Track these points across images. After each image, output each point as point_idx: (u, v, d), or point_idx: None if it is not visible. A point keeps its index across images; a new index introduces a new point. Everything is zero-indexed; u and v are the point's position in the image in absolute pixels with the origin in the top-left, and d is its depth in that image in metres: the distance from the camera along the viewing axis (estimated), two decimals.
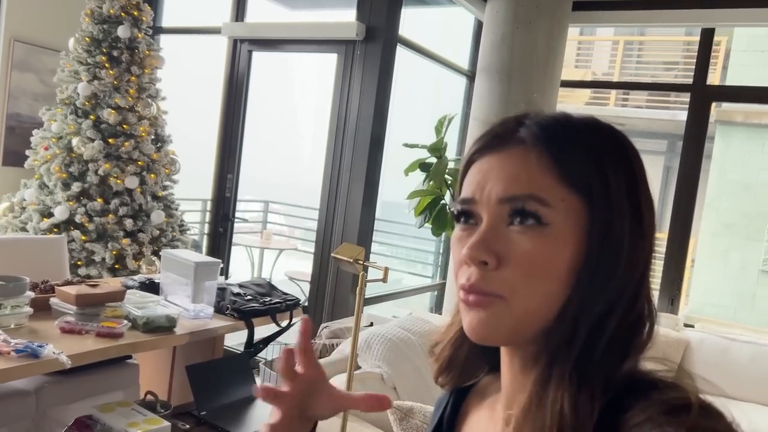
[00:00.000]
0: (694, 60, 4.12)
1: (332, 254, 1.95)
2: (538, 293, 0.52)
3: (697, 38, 4.12)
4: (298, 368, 0.63)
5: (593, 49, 9.88)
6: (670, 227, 4.09)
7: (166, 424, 1.96)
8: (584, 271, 0.52)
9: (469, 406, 0.68)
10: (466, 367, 0.65)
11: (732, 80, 6.81)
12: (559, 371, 0.50)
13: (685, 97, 4.23)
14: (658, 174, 9.55)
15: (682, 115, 4.27)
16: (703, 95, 4.03)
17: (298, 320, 2.63)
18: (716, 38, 4.22)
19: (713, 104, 4.21)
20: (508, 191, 0.53)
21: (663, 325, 3.67)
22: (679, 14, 3.93)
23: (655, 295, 3.67)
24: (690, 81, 4.14)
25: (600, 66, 9.68)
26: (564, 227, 0.52)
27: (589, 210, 0.52)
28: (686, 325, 3.85)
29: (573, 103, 8.99)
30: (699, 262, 6.88)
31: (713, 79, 7.42)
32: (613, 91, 9.20)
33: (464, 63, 4.66)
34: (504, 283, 0.52)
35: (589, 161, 0.53)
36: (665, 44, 9.28)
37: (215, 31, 4.24)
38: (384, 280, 1.89)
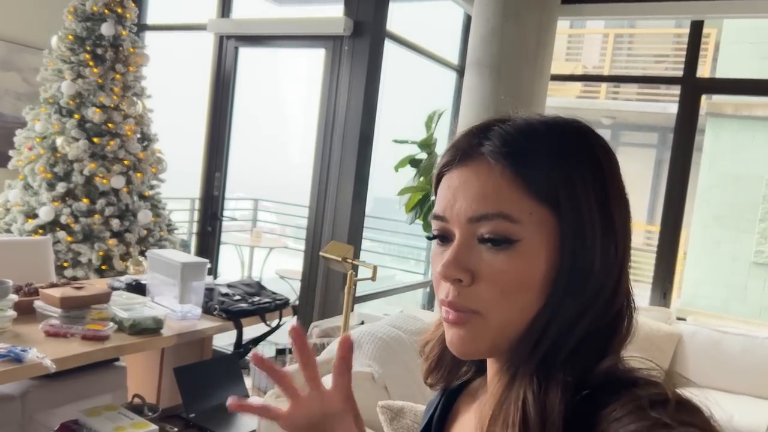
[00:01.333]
0: (684, 52, 4.11)
1: (320, 253, 1.93)
2: (514, 307, 0.53)
3: (687, 30, 4.10)
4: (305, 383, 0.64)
5: (583, 42, 9.88)
6: (662, 220, 4.08)
7: (154, 427, 1.93)
8: (557, 281, 0.53)
9: (459, 408, 0.68)
10: (455, 367, 0.66)
11: (722, 72, 6.81)
12: (523, 371, 0.52)
13: (676, 90, 4.23)
14: (650, 167, 9.58)
15: (673, 108, 4.26)
16: (693, 88, 4.02)
17: (287, 320, 2.61)
18: (706, 30, 4.22)
19: (703, 96, 4.20)
20: (476, 210, 0.53)
21: (655, 319, 3.66)
22: (668, 6, 3.92)
23: (648, 288, 3.66)
24: (680, 74, 4.13)
25: (590, 59, 9.68)
26: (535, 240, 0.52)
27: (558, 219, 0.53)
28: (678, 318, 3.85)
29: (563, 97, 8.98)
30: (691, 255, 6.89)
31: (703, 71, 7.43)
32: (604, 84, 9.20)
33: (454, 57, 4.64)
34: (479, 299, 0.53)
35: (554, 170, 0.53)
36: (655, 37, 9.29)
37: (201, 27, 4.19)
38: (373, 278, 1.86)
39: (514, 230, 0.52)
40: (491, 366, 0.59)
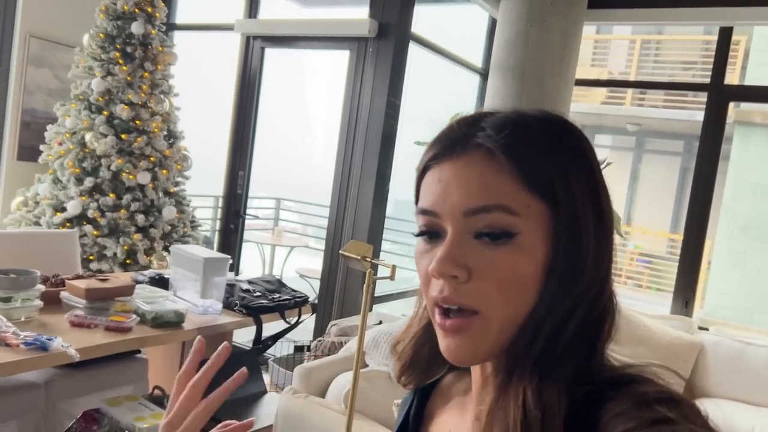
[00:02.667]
0: (712, 59, 4.06)
1: (340, 251, 1.95)
2: (513, 304, 0.52)
3: (716, 37, 4.05)
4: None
5: (610, 47, 9.80)
6: (686, 229, 4.03)
7: None
8: (552, 275, 0.51)
9: (434, 407, 0.67)
10: (428, 366, 0.64)
11: (751, 80, 6.70)
12: (521, 367, 0.50)
13: (703, 97, 4.17)
14: (675, 175, 9.46)
15: (700, 116, 4.21)
16: (720, 95, 3.97)
17: (306, 317, 2.63)
18: (735, 37, 4.16)
19: (731, 104, 4.14)
20: (474, 202, 0.51)
21: (677, 328, 3.62)
22: (697, 12, 3.87)
23: (669, 296, 3.61)
24: (707, 80, 4.07)
25: (616, 65, 9.59)
26: (532, 234, 0.51)
27: (553, 214, 0.52)
28: (701, 328, 3.79)
29: (588, 103, 8.92)
30: (715, 265, 6.79)
31: (731, 78, 7.32)
32: (630, 91, 9.11)
33: (478, 61, 4.63)
34: (477, 296, 0.51)
35: (550, 163, 0.52)
36: (683, 43, 9.18)
37: (228, 27, 4.25)
38: (392, 277, 1.87)
39: (514, 223, 0.51)
40: (481, 368, 0.58)
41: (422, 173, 0.57)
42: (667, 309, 4.04)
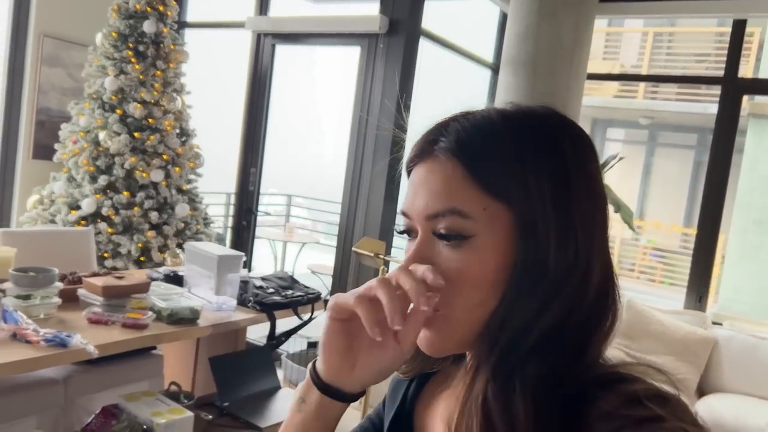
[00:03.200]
0: (726, 52, 4.03)
1: (353, 248, 1.96)
2: (472, 303, 0.53)
3: (729, 29, 4.02)
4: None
5: (622, 40, 9.72)
6: (699, 223, 4.00)
7: (190, 414, 1.99)
8: (512, 277, 0.52)
9: (433, 389, 0.67)
10: (429, 357, 0.63)
11: (765, 72, 6.63)
12: (482, 370, 0.52)
13: (716, 90, 4.14)
14: (688, 169, 9.38)
15: (713, 109, 4.17)
16: (734, 88, 3.93)
17: (319, 314, 2.65)
18: (749, 29, 4.12)
19: (745, 97, 4.11)
20: (430, 208, 0.54)
21: (690, 323, 3.60)
22: (710, 5, 3.84)
23: (683, 291, 3.59)
24: (721, 73, 4.04)
25: (628, 58, 9.52)
26: (489, 236, 0.52)
27: (512, 216, 0.52)
28: (714, 323, 3.78)
29: (601, 96, 8.86)
30: (729, 259, 6.74)
31: (745, 71, 7.24)
32: (642, 84, 9.04)
33: (489, 55, 4.62)
34: (440, 298, 0.53)
35: (507, 165, 0.53)
36: (696, 36, 9.09)
37: (239, 25, 4.27)
38: None
39: (467, 226, 0.52)
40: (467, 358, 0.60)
41: (407, 174, 0.60)
42: (680, 304, 4.02)
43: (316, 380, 0.58)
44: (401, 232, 0.58)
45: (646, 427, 0.45)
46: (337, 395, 0.57)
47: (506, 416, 0.49)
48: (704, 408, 3.21)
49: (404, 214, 0.57)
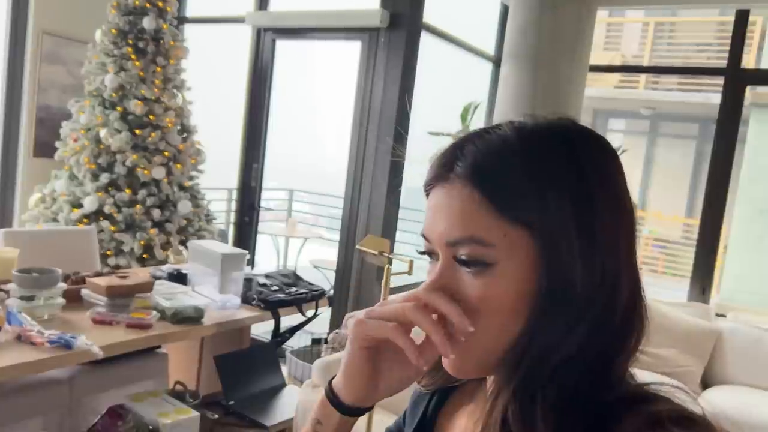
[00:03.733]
0: (728, 42, 4.00)
1: (357, 246, 1.95)
2: (494, 329, 0.53)
3: (732, 19, 3.99)
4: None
5: (623, 31, 9.67)
6: (702, 213, 4.00)
7: (196, 414, 1.99)
8: (537, 301, 0.51)
9: (457, 403, 0.67)
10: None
11: None
12: (504, 391, 0.52)
13: (719, 80, 4.12)
14: (690, 159, 9.35)
15: (716, 98, 4.15)
16: (737, 78, 3.91)
17: (323, 310, 2.65)
18: (751, 18, 4.09)
19: (748, 87, 4.08)
20: (450, 235, 0.53)
21: (693, 315, 3.60)
22: None
23: (686, 283, 3.58)
24: (723, 63, 4.02)
25: (630, 48, 9.47)
26: (510, 262, 0.51)
27: (533, 240, 0.51)
28: (718, 315, 3.77)
29: (602, 86, 8.83)
30: (732, 250, 6.73)
31: (748, 61, 7.20)
32: (644, 74, 9.00)
33: (490, 49, 4.60)
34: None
35: (527, 191, 0.51)
36: (698, 25, 9.04)
37: (239, 20, 4.24)
38: (409, 272, 1.88)
39: (488, 254, 0.51)
40: (489, 380, 0.59)
41: (427, 195, 0.59)
42: (682, 294, 4.02)
43: (337, 403, 0.59)
44: (422, 253, 0.58)
45: None
46: (357, 412, 0.60)
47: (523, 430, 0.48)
48: (708, 400, 3.21)
49: (424, 237, 0.57)
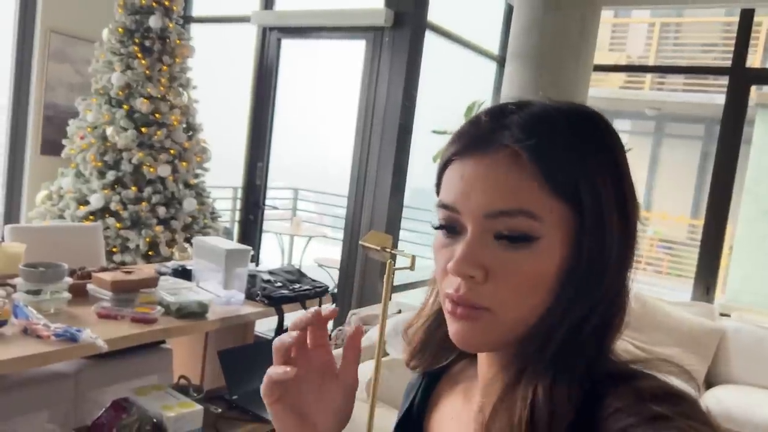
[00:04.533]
0: (734, 41, 4.00)
1: (360, 242, 1.96)
2: (527, 305, 0.52)
3: (737, 19, 3.99)
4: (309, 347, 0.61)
5: (628, 31, 9.65)
6: (707, 214, 3.99)
7: (199, 407, 2.01)
8: (571, 279, 0.51)
9: (441, 391, 0.67)
10: (439, 351, 0.64)
11: None
12: (533, 366, 0.51)
13: (724, 80, 4.12)
14: (695, 159, 9.33)
15: (721, 99, 4.15)
16: (741, 78, 3.91)
17: (327, 307, 2.66)
18: (757, 19, 4.08)
19: (753, 87, 4.08)
20: (496, 205, 0.51)
21: (697, 314, 3.60)
22: None
23: (690, 283, 3.58)
24: (728, 64, 4.01)
25: (635, 49, 9.45)
26: (553, 238, 0.51)
27: (578, 217, 0.51)
28: (722, 315, 3.77)
29: (607, 87, 8.81)
30: (737, 250, 6.71)
31: (753, 61, 7.19)
32: (649, 75, 8.98)
33: (494, 48, 4.61)
34: (492, 297, 0.52)
35: (576, 166, 0.51)
36: (704, 26, 9.01)
37: (245, 19, 4.27)
38: (411, 268, 1.89)
39: (535, 228, 0.50)
40: (487, 357, 0.58)
41: (444, 165, 0.56)
42: (687, 295, 4.02)
43: None
44: (438, 227, 0.55)
45: (657, 426, 0.44)
46: None
47: (551, 416, 0.48)
48: (712, 399, 3.21)
49: (449, 207, 0.54)
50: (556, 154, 0.51)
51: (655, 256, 9.06)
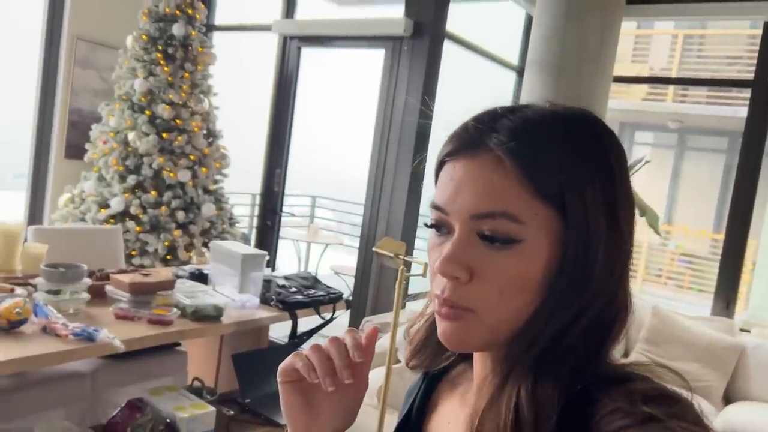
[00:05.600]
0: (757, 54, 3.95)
1: (373, 248, 1.97)
2: (510, 306, 0.52)
3: (761, 32, 3.94)
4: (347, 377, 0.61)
5: (651, 42, 9.58)
6: (727, 228, 3.94)
7: (212, 409, 2.03)
8: (557, 281, 0.52)
9: (440, 394, 0.68)
10: (439, 351, 0.65)
11: None
12: (517, 370, 0.51)
13: (748, 93, 4.07)
14: (718, 173, 9.20)
15: (744, 112, 4.10)
16: (765, 91, 3.86)
17: (341, 313, 2.67)
18: None
19: None
20: (480, 208, 0.52)
21: (717, 329, 3.54)
22: (741, 6, 3.77)
23: (711, 298, 3.52)
24: (752, 76, 3.97)
25: (658, 61, 9.38)
26: (537, 241, 0.51)
27: (563, 221, 0.51)
28: (742, 330, 3.70)
29: (629, 99, 8.75)
30: (760, 266, 6.59)
31: None
32: (672, 87, 8.90)
33: (513, 58, 4.61)
34: (476, 298, 0.52)
35: (564, 171, 0.51)
36: (728, 38, 8.92)
37: (266, 28, 4.32)
38: (424, 275, 1.89)
39: (518, 230, 0.51)
40: (480, 360, 0.59)
41: (439, 166, 0.57)
42: (708, 311, 3.96)
43: None
44: (430, 226, 0.56)
45: (650, 427, 0.45)
46: None
47: (535, 419, 0.48)
48: (730, 416, 3.16)
49: (439, 209, 0.55)
50: (541, 157, 0.51)
51: (677, 270, 8.94)
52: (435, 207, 0.55)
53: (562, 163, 0.51)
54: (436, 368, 0.67)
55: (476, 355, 0.60)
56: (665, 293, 8.02)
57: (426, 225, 0.57)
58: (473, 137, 0.54)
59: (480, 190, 0.52)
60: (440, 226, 0.55)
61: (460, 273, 0.52)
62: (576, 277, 0.51)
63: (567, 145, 0.52)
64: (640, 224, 4.10)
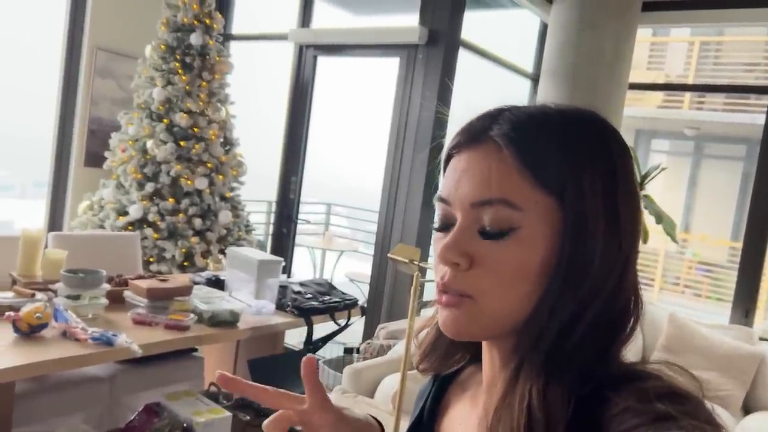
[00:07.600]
0: None
1: (388, 255, 1.98)
2: (509, 295, 0.53)
3: None
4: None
5: (667, 50, 9.53)
6: (745, 236, 3.90)
7: (228, 414, 2.04)
8: (556, 272, 0.52)
9: (450, 397, 0.68)
10: (448, 354, 0.65)
11: None
12: (528, 368, 0.51)
13: (765, 100, 4.03)
14: (736, 181, 9.10)
15: (762, 119, 4.06)
16: None
17: (356, 320, 2.68)
18: None
19: None
20: (478, 196, 0.53)
21: (736, 338, 3.50)
22: (758, 13, 3.75)
23: (728, 307, 3.49)
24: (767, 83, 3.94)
25: (674, 68, 9.31)
26: (536, 230, 0.52)
27: (562, 211, 0.52)
28: (762, 339, 3.65)
29: (645, 106, 8.70)
30: None
31: None
32: (688, 94, 8.83)
33: (528, 66, 4.61)
34: (474, 284, 0.53)
35: (563, 161, 0.52)
36: (745, 45, 8.84)
37: (282, 37, 4.37)
38: None
39: (516, 217, 0.51)
40: (489, 359, 0.59)
41: (446, 161, 0.59)
42: (727, 320, 3.91)
43: None
44: (438, 229, 0.57)
45: (661, 426, 0.45)
46: None
47: (547, 418, 0.48)
48: (750, 426, 3.11)
49: (443, 200, 0.56)
50: (540, 147, 0.52)
51: (695, 279, 8.84)
52: (439, 199, 0.57)
53: (560, 152, 0.52)
54: (446, 371, 0.68)
55: (484, 354, 0.60)
56: (683, 302, 7.94)
57: (434, 228, 0.58)
58: (477, 130, 0.56)
59: (479, 178, 0.53)
60: (445, 224, 0.56)
61: (459, 259, 0.53)
62: (574, 269, 0.52)
63: (567, 136, 0.53)
64: (657, 231, 4.08)
